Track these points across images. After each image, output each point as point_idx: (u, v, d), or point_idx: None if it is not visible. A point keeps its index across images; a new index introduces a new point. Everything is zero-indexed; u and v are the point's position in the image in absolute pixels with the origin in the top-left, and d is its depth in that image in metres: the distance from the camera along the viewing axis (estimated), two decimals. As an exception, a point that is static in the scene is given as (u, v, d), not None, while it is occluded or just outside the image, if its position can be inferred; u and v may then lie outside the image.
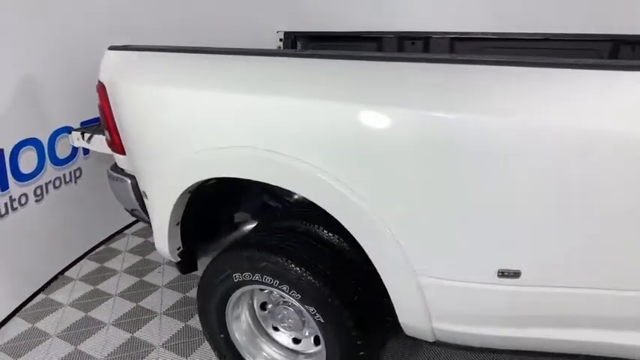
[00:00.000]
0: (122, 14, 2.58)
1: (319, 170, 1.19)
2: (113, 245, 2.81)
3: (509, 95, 1.03)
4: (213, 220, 1.84)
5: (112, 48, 1.69)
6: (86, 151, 2.57)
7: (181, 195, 1.46)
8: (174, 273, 2.45)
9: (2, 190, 2.13)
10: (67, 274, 2.52)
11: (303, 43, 2.91)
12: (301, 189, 1.27)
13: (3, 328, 2.11)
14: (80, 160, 2.58)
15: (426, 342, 1.35)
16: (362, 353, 1.37)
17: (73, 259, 2.60)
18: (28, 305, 2.26)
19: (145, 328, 2.07)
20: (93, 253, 2.71)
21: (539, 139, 1.00)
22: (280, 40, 2.91)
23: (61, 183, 2.48)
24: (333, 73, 1.22)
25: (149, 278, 2.46)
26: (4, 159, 2.13)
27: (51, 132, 2.37)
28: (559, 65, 1.00)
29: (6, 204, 2.15)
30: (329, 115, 1.17)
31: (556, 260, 1.10)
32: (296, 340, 1.64)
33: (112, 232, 2.88)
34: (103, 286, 2.41)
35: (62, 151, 2.45)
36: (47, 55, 2.25)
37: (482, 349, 1.66)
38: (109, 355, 1.91)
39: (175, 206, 1.50)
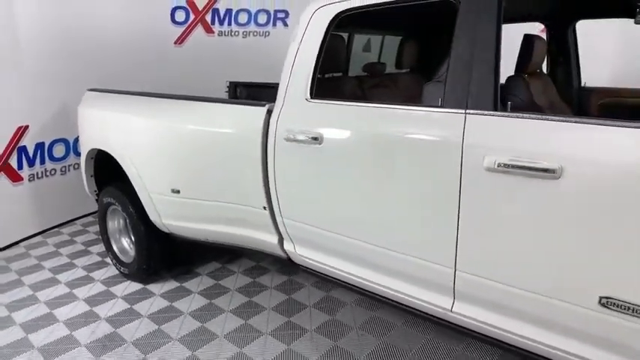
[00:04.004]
0: (135, 64, 4.54)
1: (124, 147, 2.84)
2: (109, 212, 4.69)
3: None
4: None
5: (89, 90, 3.56)
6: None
7: (86, 158, 3.23)
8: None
9: (41, 164, 4.13)
10: (75, 222, 4.44)
11: (240, 90, 4.61)
12: (116, 155, 2.92)
13: (32, 240, 4.04)
14: (93, 155, 4.53)
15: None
16: (146, 246, 2.96)
17: (79, 215, 4.52)
18: (46, 233, 4.19)
19: (99, 246, 3.85)
20: (95, 213, 4.60)
21: (175, 126, 2.56)
22: (227, 87, 4.65)
23: (79, 166, 4.43)
24: (151, 104, 2.87)
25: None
26: (44, 147, 4.14)
27: (75, 135, 4.36)
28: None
29: (42, 172, 4.14)
30: (132, 123, 2.83)
31: (191, 184, 2.61)
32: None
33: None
34: (91, 229, 4.26)
35: (81, 148, 4.42)
36: (75, 88, 4.22)
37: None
38: (75, 255, 3.72)
39: (86, 165, 3.27)
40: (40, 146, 4.08)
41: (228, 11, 5.28)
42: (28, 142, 3.98)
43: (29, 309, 2.89)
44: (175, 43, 5.08)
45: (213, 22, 5.24)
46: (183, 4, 5.02)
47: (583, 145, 1.40)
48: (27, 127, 3.94)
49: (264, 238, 2.49)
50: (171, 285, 3.15)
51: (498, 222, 1.58)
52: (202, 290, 3.06)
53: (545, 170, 1.42)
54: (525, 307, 1.59)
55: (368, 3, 2.02)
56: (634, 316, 1.35)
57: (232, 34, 5.36)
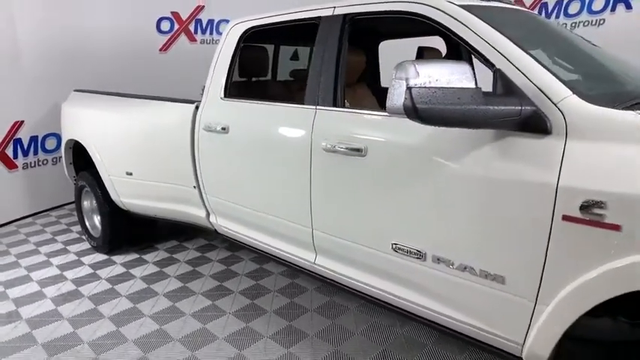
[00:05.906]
0: (124, 68, 5.20)
1: (91, 137, 3.47)
2: (96, 199, 5.33)
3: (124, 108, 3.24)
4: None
5: (75, 90, 4.21)
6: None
7: (65, 148, 3.86)
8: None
9: (34, 155, 4.80)
10: (64, 207, 5.09)
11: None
12: (85, 144, 3.55)
13: (21, 221, 4.70)
14: (82, 148, 5.19)
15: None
16: (109, 222, 3.56)
17: (68, 201, 5.16)
18: (37, 215, 4.84)
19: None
20: (82, 200, 5.25)
21: (128, 120, 3.17)
22: (202, 89, 5.25)
23: (69, 158, 5.09)
24: (112, 102, 3.49)
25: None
26: (38, 140, 4.81)
27: (65, 131, 5.01)
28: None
29: (36, 161, 4.80)
30: (97, 117, 3.46)
31: (141, 167, 3.21)
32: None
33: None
34: (76, 213, 4.90)
35: (71, 142, 5.08)
36: (67, 89, 4.89)
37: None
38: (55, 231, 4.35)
39: (65, 153, 3.91)
40: (34, 139, 4.74)
41: (210, 21, 5.92)
42: (24, 135, 4.64)
43: (11, 272, 3.51)
44: (160, 50, 5.72)
45: (196, 32, 5.87)
46: (169, 14, 5.66)
47: (379, 130, 1.93)
48: (23, 122, 4.60)
49: (196, 213, 3.06)
50: (132, 257, 3.74)
51: (331, 190, 2.11)
52: (157, 261, 3.65)
53: (356, 150, 1.96)
54: (356, 256, 2.12)
55: (270, 22, 2.59)
56: (410, 256, 1.87)
57: (214, 42, 5.98)
